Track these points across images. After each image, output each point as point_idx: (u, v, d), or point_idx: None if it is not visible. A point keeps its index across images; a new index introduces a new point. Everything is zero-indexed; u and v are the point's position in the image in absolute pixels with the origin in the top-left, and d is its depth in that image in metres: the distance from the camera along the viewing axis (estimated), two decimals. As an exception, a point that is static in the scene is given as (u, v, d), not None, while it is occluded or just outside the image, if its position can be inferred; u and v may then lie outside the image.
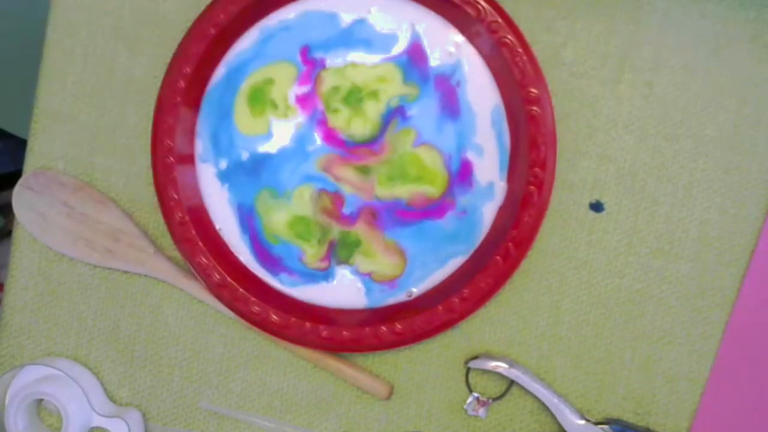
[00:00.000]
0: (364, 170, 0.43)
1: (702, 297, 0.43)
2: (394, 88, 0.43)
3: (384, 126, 0.43)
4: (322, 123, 0.43)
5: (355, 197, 0.43)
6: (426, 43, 0.42)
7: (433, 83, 0.42)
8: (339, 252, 0.44)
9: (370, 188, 0.43)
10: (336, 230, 0.44)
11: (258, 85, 0.43)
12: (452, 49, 0.42)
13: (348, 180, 0.43)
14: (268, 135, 0.44)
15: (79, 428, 0.44)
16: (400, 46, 0.43)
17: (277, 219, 0.44)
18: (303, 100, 0.43)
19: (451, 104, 0.43)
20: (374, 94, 0.43)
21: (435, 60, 0.42)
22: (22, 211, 0.45)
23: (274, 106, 0.43)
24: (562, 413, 0.42)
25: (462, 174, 0.43)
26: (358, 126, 0.43)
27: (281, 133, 0.43)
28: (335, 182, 0.43)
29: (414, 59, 0.43)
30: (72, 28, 0.46)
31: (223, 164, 0.44)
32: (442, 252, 0.43)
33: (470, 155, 0.43)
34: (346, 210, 0.43)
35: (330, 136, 0.43)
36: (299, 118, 0.43)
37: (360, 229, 0.44)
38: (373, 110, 0.43)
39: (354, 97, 0.43)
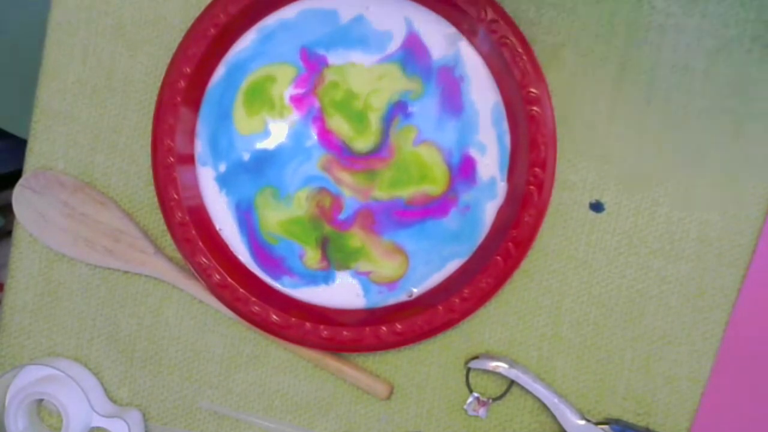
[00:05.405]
0: (369, 175, 0.43)
1: (702, 297, 0.43)
2: (395, 84, 0.43)
3: (386, 128, 0.43)
4: (319, 120, 0.43)
5: (353, 200, 0.43)
6: (425, 40, 0.42)
7: (437, 76, 0.42)
8: (337, 255, 0.44)
9: (369, 190, 0.43)
10: (328, 229, 0.44)
11: (258, 81, 0.43)
12: (452, 46, 0.42)
13: (348, 183, 0.43)
14: (265, 133, 0.44)
15: (79, 428, 0.44)
16: (395, 44, 0.42)
17: (273, 217, 0.44)
18: (298, 100, 0.43)
19: (453, 100, 0.42)
20: (369, 104, 0.43)
21: (436, 53, 0.42)
22: (22, 211, 0.45)
23: (271, 105, 0.43)
24: (563, 413, 0.42)
25: (465, 170, 0.43)
26: (360, 143, 0.43)
27: (278, 131, 0.43)
28: (336, 184, 0.43)
29: (413, 53, 0.42)
30: (72, 28, 0.46)
31: (223, 167, 0.44)
32: (444, 251, 0.43)
33: (473, 152, 0.43)
34: (342, 216, 0.43)
35: (327, 138, 0.43)
36: (295, 116, 0.43)
37: (357, 234, 0.43)
38: (373, 118, 0.43)
39: (349, 105, 0.43)
